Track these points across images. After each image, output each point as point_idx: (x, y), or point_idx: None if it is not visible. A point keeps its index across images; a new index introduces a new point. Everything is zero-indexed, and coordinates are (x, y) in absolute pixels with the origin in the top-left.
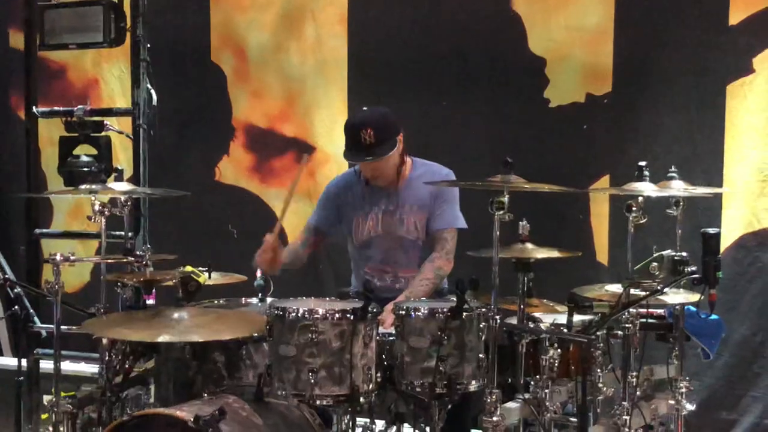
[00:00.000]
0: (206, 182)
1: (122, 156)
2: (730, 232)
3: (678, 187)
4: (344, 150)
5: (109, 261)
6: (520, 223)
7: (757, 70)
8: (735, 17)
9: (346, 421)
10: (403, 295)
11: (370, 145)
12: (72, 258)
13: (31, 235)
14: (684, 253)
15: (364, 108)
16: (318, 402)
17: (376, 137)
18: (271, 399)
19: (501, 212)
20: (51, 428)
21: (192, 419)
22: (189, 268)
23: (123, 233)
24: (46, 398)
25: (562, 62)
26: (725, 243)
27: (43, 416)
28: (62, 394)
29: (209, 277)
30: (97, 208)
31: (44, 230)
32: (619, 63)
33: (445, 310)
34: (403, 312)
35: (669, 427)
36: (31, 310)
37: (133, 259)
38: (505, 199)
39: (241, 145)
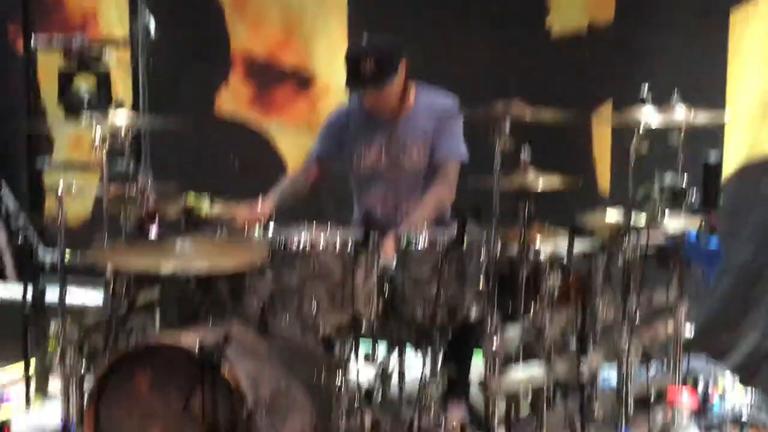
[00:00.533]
0: (206, 113)
1: (122, 87)
2: (733, 159)
3: (681, 112)
4: (345, 79)
5: (112, 191)
6: (522, 150)
7: None
8: None
9: (348, 347)
10: (404, 224)
11: (370, 75)
12: (74, 189)
13: (33, 166)
14: (686, 180)
15: (365, 35)
16: (321, 330)
17: (376, 67)
18: (274, 327)
19: (502, 141)
20: (57, 357)
21: (197, 347)
22: (191, 198)
23: (124, 164)
24: (52, 328)
25: None
26: (727, 170)
27: (50, 344)
28: (68, 323)
29: (211, 207)
30: (97, 139)
31: (45, 161)
32: None
33: (446, 239)
34: (405, 241)
35: (668, 351)
36: (36, 240)
37: (135, 189)
38: (507, 125)
39: (240, 75)
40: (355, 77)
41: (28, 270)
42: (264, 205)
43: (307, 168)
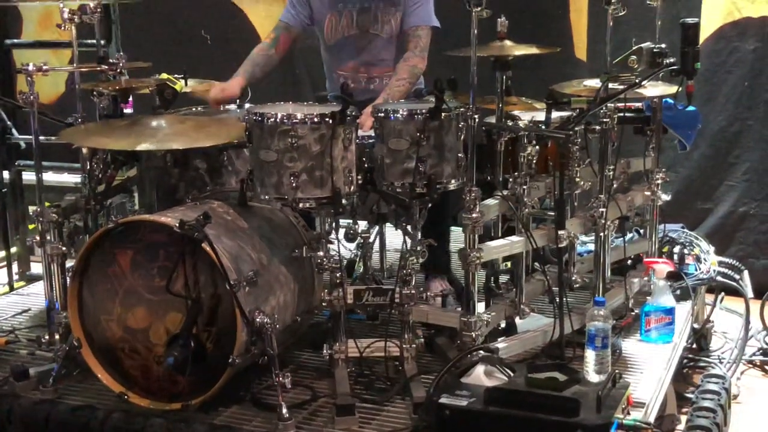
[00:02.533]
0: None
1: None
2: (710, 22)
3: None
4: None
5: (83, 69)
6: (498, 19)
7: None
8: None
9: (328, 222)
10: (381, 97)
11: None
12: (44, 67)
13: (1, 45)
14: (663, 45)
15: None
16: (300, 205)
17: None
18: (254, 203)
19: (478, 9)
20: (38, 237)
21: (177, 224)
22: (164, 76)
23: (95, 41)
24: (31, 209)
25: None
26: (704, 33)
27: (30, 226)
28: (47, 204)
29: (185, 84)
30: (66, 15)
31: (15, 40)
32: None
33: (423, 110)
34: (382, 114)
35: (645, 217)
36: (8, 122)
37: (107, 67)
38: None
39: None
40: None
41: (3, 154)
42: (234, 84)
43: (276, 38)
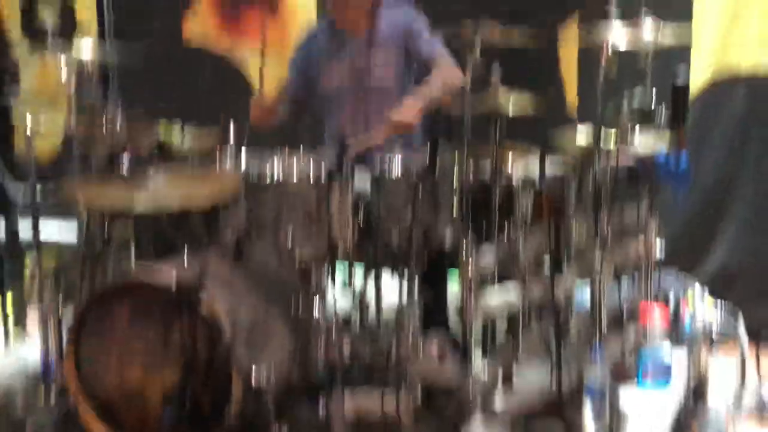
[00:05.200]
0: (173, 39)
1: (86, 15)
2: (701, 70)
3: (648, 27)
4: None
5: (81, 126)
6: (492, 68)
7: None
8: None
9: (325, 275)
10: (415, 93)
11: None
12: (42, 123)
13: None
14: (654, 95)
15: None
16: (297, 259)
17: None
18: (250, 258)
19: (472, 60)
20: (35, 293)
21: (174, 281)
22: (162, 126)
23: (92, 95)
24: (28, 263)
25: None
26: (695, 84)
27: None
28: (43, 259)
29: (182, 136)
30: (64, 69)
31: (12, 96)
32: None
33: (419, 164)
34: (378, 169)
35: (640, 266)
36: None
37: (104, 122)
38: (477, 46)
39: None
40: None
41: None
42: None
43: (287, 110)
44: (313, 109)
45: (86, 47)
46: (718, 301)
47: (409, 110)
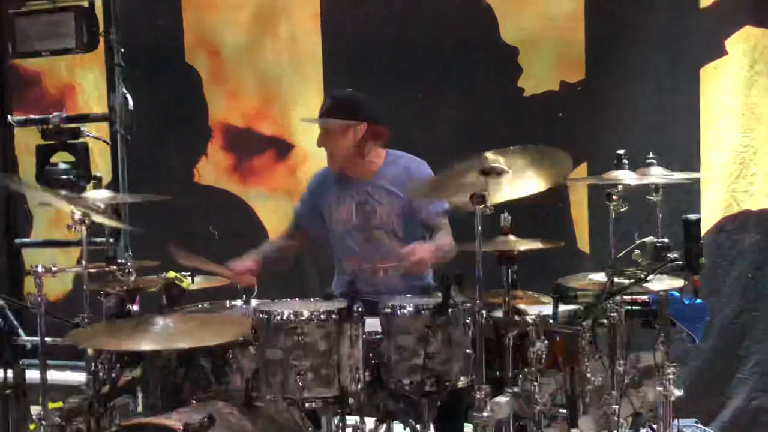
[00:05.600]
0: (186, 185)
1: (101, 161)
2: (710, 215)
3: (657, 174)
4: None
5: (92, 270)
6: (502, 215)
7: (729, 52)
8: (705, 0)
9: (335, 422)
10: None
11: (323, 111)
12: (54, 269)
13: (11, 245)
14: (666, 239)
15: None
16: (307, 405)
17: (331, 105)
18: (259, 403)
19: (482, 206)
20: None
21: (182, 428)
22: (172, 274)
23: (104, 240)
24: (34, 409)
25: (534, 51)
26: (705, 226)
27: (31, 426)
28: (50, 405)
29: (192, 281)
30: (77, 216)
31: (24, 240)
32: (592, 50)
33: (430, 306)
34: (389, 310)
35: (658, 413)
36: (15, 322)
37: (115, 267)
38: (486, 193)
39: (219, 145)
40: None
41: (8, 353)
42: (247, 262)
43: (291, 232)
44: (320, 243)
45: (99, 194)
46: None
47: (421, 249)
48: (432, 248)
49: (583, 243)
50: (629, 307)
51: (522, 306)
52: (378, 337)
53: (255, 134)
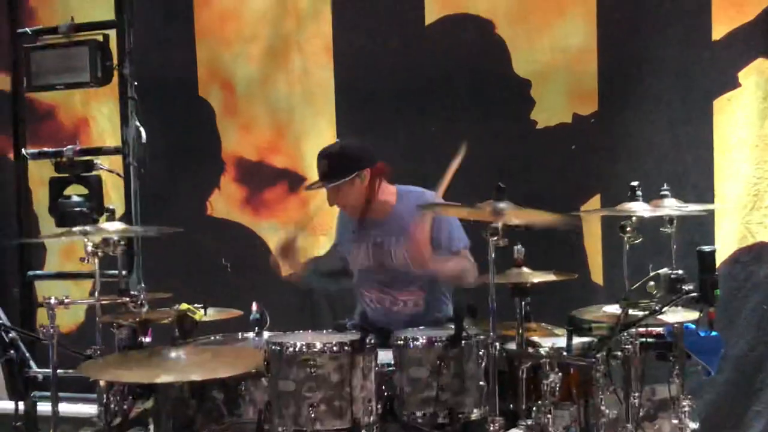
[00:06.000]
0: (198, 217)
1: (114, 194)
2: (724, 247)
3: (671, 206)
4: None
5: (104, 302)
6: (515, 247)
7: (742, 84)
8: (718, 32)
9: None
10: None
11: (323, 175)
12: (66, 301)
13: (24, 277)
14: (680, 271)
15: (337, 141)
16: None
17: (329, 167)
18: None
19: (495, 238)
20: None
21: None
22: (184, 306)
23: (117, 272)
24: None
25: (547, 83)
26: (720, 258)
27: None
28: None
29: (205, 313)
30: (89, 248)
31: (37, 272)
32: (605, 82)
33: (443, 338)
34: (401, 342)
35: None
36: (27, 354)
37: (128, 299)
38: (499, 225)
39: (232, 178)
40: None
41: (20, 385)
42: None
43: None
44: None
45: (112, 227)
46: None
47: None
48: (439, 259)
49: (597, 275)
50: (644, 340)
51: (535, 338)
52: (390, 369)
53: (267, 167)
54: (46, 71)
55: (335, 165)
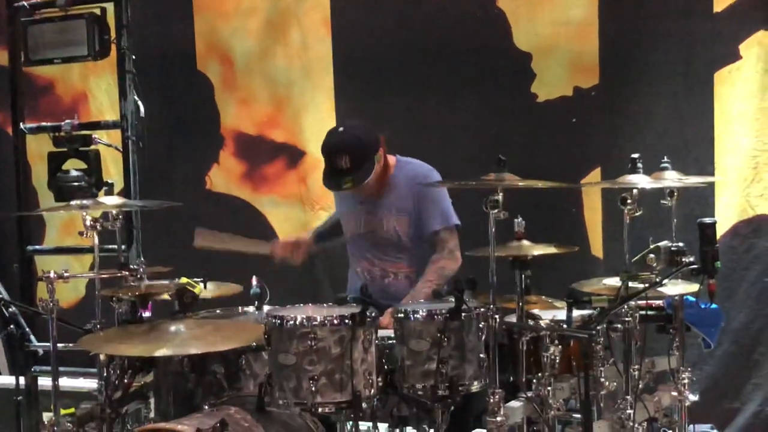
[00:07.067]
0: (197, 192)
1: (112, 169)
2: (725, 219)
3: (671, 178)
4: (323, 176)
5: (104, 276)
6: (516, 220)
7: (743, 57)
8: (719, 4)
9: (348, 427)
10: (407, 298)
11: (347, 170)
12: (66, 275)
13: (23, 252)
14: (680, 243)
15: (340, 128)
16: (320, 409)
17: (352, 162)
18: (272, 408)
19: (496, 210)
20: None
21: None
22: (184, 280)
23: (116, 247)
24: (46, 416)
25: (548, 56)
26: (720, 231)
27: None
28: (62, 411)
29: (204, 287)
30: (88, 223)
31: (37, 246)
32: (606, 55)
33: (443, 311)
34: (402, 315)
35: (673, 418)
36: (27, 329)
37: (127, 273)
38: (500, 197)
39: (231, 153)
40: (332, 173)
41: (20, 360)
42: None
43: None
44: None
45: (111, 200)
46: None
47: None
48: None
49: (597, 248)
50: (644, 312)
51: (536, 311)
52: (391, 342)
53: (266, 141)
54: (43, 45)
55: (359, 157)
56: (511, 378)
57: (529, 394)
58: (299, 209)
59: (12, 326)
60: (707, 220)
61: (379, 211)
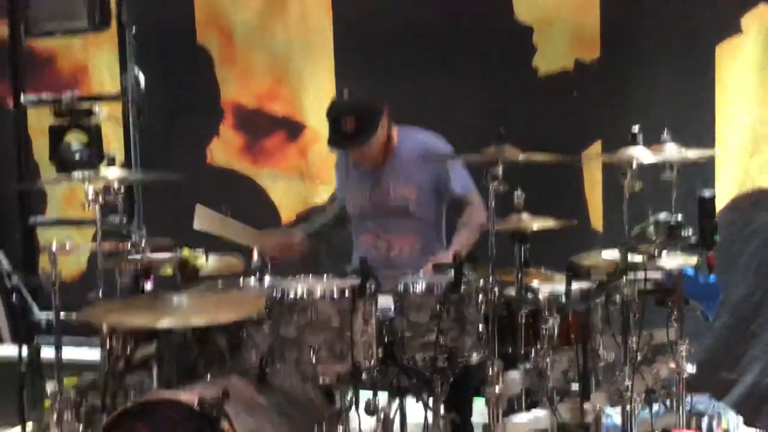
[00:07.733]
0: (198, 165)
1: (113, 141)
2: (724, 192)
3: (671, 151)
4: (328, 139)
5: (106, 248)
6: (515, 193)
7: (745, 30)
8: None
9: (349, 397)
10: (452, 247)
11: (351, 132)
12: (68, 247)
13: (25, 223)
14: (680, 217)
15: (346, 93)
16: (321, 380)
17: (356, 124)
18: (274, 379)
19: (495, 183)
20: (55, 417)
21: (196, 402)
22: (186, 252)
23: (118, 219)
24: (49, 386)
25: (549, 29)
26: (719, 204)
27: (47, 403)
28: (65, 382)
29: (206, 260)
30: (90, 195)
31: (39, 218)
32: (607, 27)
33: (443, 284)
34: (402, 287)
35: (671, 390)
36: (30, 299)
37: (129, 245)
38: (500, 170)
39: (231, 126)
40: (336, 134)
41: (23, 330)
42: (294, 234)
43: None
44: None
45: (112, 172)
46: (752, 428)
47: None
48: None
49: (597, 221)
50: (642, 285)
51: (535, 283)
52: (391, 314)
53: (266, 115)
54: (44, 18)
55: (365, 120)
56: (510, 350)
57: (528, 365)
58: (299, 183)
59: (14, 297)
60: (706, 193)
61: (384, 180)
